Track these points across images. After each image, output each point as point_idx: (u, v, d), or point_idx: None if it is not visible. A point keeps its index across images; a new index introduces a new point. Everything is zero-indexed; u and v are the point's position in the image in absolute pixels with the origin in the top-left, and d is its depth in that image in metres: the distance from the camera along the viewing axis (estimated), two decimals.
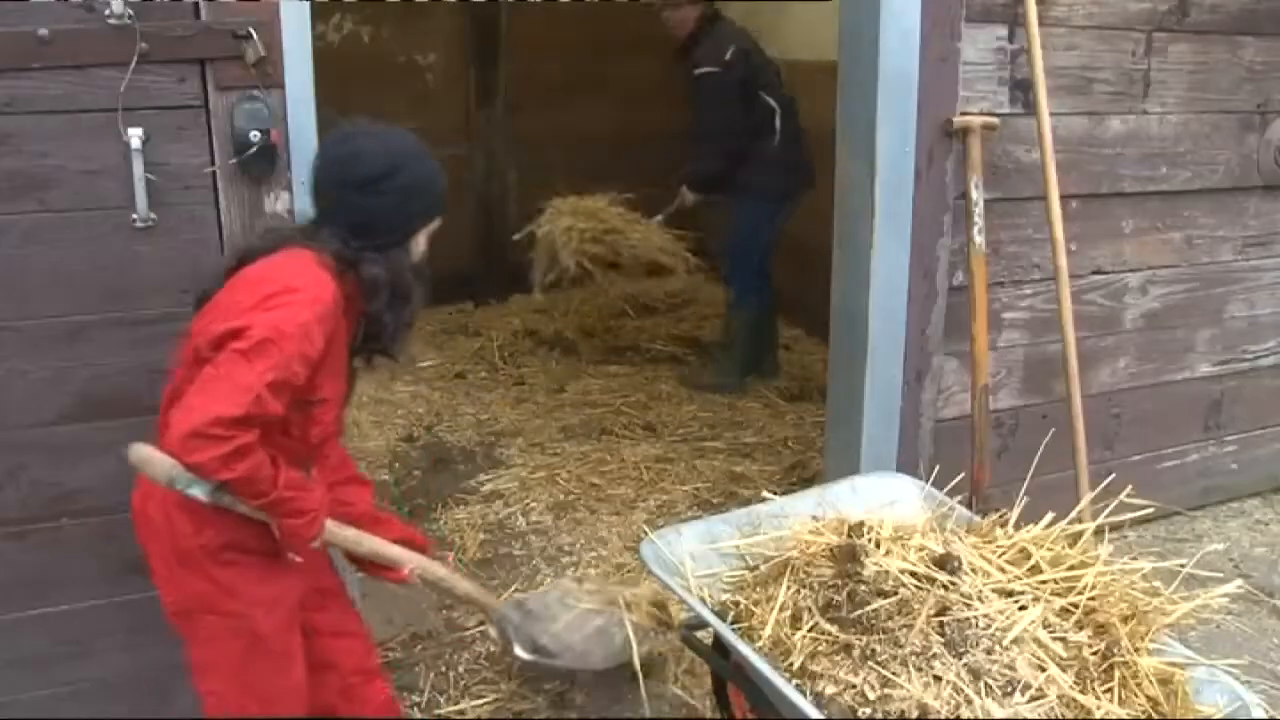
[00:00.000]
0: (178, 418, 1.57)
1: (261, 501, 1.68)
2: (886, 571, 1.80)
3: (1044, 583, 1.81)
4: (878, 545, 1.86)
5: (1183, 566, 1.88)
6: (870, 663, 1.68)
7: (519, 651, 2.19)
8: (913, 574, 1.80)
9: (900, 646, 1.68)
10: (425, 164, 1.83)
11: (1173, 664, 1.72)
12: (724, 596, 1.97)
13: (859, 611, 1.74)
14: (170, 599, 1.79)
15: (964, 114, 2.78)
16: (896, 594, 1.76)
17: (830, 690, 1.67)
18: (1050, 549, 1.89)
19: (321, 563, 2.00)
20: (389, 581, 2.07)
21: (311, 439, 1.77)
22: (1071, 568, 1.84)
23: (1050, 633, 1.71)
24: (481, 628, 2.87)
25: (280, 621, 1.82)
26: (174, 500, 1.72)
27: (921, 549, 1.86)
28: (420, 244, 1.87)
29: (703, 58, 4.14)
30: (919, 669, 1.65)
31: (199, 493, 1.69)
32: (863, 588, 1.78)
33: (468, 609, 2.96)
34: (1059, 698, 1.62)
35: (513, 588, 3.05)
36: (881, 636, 1.71)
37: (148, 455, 1.68)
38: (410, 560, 2.01)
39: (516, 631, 2.19)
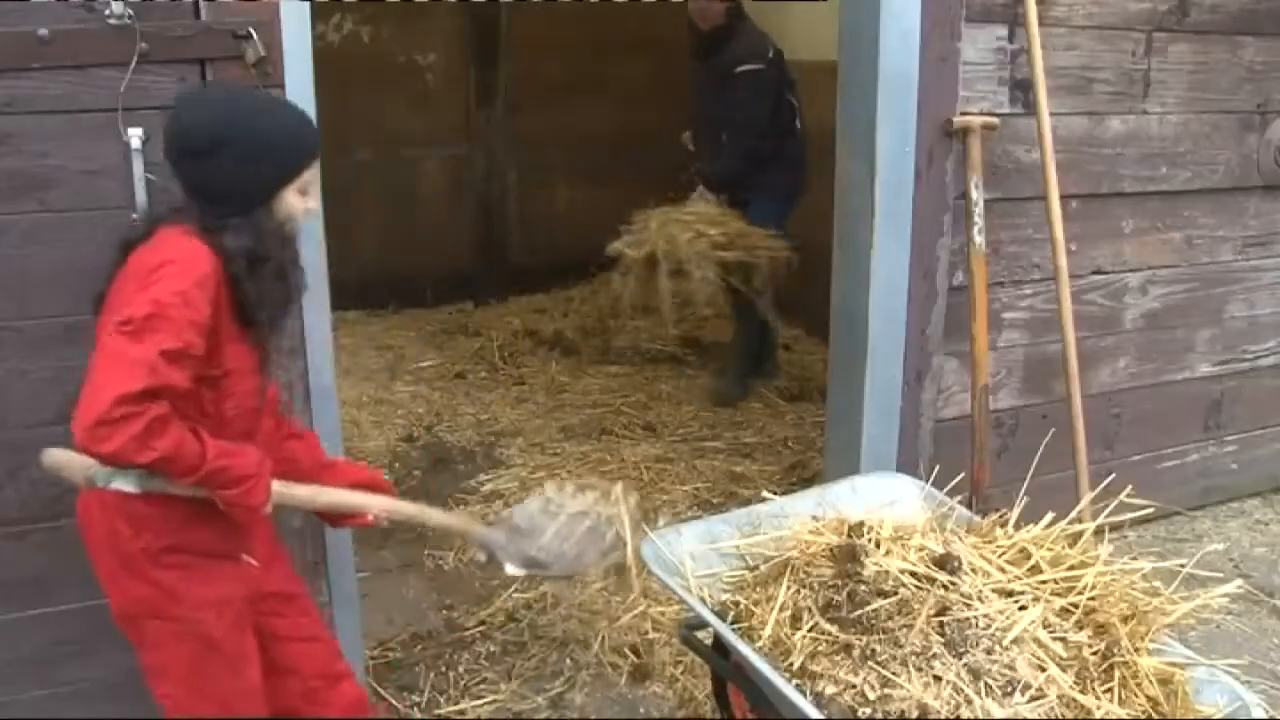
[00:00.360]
0: (78, 412, 1.52)
1: (194, 478, 1.62)
2: (886, 571, 1.80)
3: (1044, 583, 1.81)
4: (878, 545, 1.86)
5: (1183, 566, 1.87)
6: (870, 663, 1.68)
7: (511, 570, 2.13)
8: (913, 574, 1.80)
9: (900, 646, 1.68)
10: (262, 124, 1.71)
11: (1173, 664, 1.72)
12: (724, 596, 1.97)
13: (859, 611, 1.74)
14: (115, 603, 1.76)
15: (964, 114, 2.78)
16: (896, 594, 1.76)
17: (830, 690, 1.67)
18: (1050, 549, 1.89)
19: (279, 568, 1.97)
20: (359, 527, 2.05)
21: (227, 413, 1.73)
22: (1071, 568, 1.84)
23: (1050, 633, 1.71)
24: (482, 628, 2.87)
25: (229, 623, 1.79)
26: (114, 504, 1.70)
27: (921, 549, 1.86)
28: (289, 203, 1.75)
29: (745, 54, 4.05)
30: (919, 669, 1.65)
31: (126, 485, 1.65)
32: (863, 588, 1.77)
33: (467, 609, 2.96)
34: (1059, 698, 1.62)
35: (513, 587, 3.05)
36: (881, 636, 1.70)
37: (63, 459, 1.64)
38: (372, 505, 1.95)
39: (505, 551, 2.13)
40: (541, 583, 3.08)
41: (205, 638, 1.76)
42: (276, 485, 1.77)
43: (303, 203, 1.78)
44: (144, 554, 1.71)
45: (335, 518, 2.02)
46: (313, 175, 1.78)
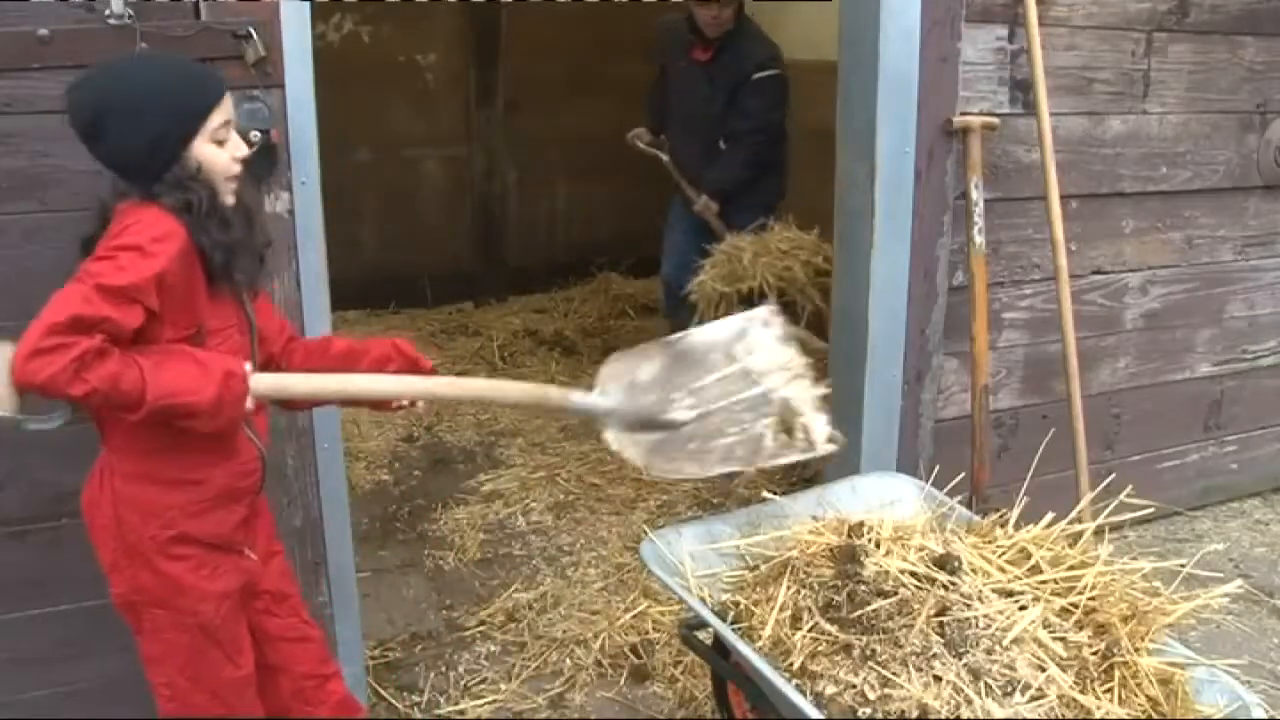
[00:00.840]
0: (16, 350, 1.48)
1: (139, 415, 1.56)
2: (886, 572, 1.80)
3: (1044, 583, 1.81)
4: (877, 545, 1.86)
5: (1183, 566, 1.88)
6: (870, 663, 1.68)
7: (610, 440, 1.78)
8: (913, 574, 1.80)
9: (900, 647, 1.68)
10: (138, 85, 1.64)
11: (1173, 664, 1.72)
12: (724, 596, 1.97)
13: (859, 612, 1.74)
14: (117, 590, 1.77)
15: (964, 114, 2.78)
16: (896, 594, 1.76)
17: (830, 690, 1.67)
18: (1050, 549, 1.89)
19: (276, 565, 1.96)
20: (406, 410, 1.86)
21: None
22: (1071, 568, 1.84)
23: (1050, 633, 1.71)
24: (482, 628, 2.87)
25: (228, 614, 1.80)
26: (122, 494, 1.70)
27: (921, 549, 1.86)
28: (204, 153, 1.67)
29: (762, 57, 3.89)
30: (919, 669, 1.65)
31: (51, 425, 1.57)
32: (863, 588, 1.78)
33: (467, 609, 2.96)
34: (1059, 698, 1.62)
35: (513, 587, 3.05)
36: (881, 637, 1.70)
37: None
38: (413, 387, 1.77)
39: (611, 416, 1.75)
40: (542, 583, 3.09)
41: (205, 629, 1.77)
42: (261, 386, 1.68)
43: (224, 152, 1.70)
44: (152, 543, 1.72)
45: (374, 403, 1.89)
46: (222, 121, 1.69)
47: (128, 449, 1.71)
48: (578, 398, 1.81)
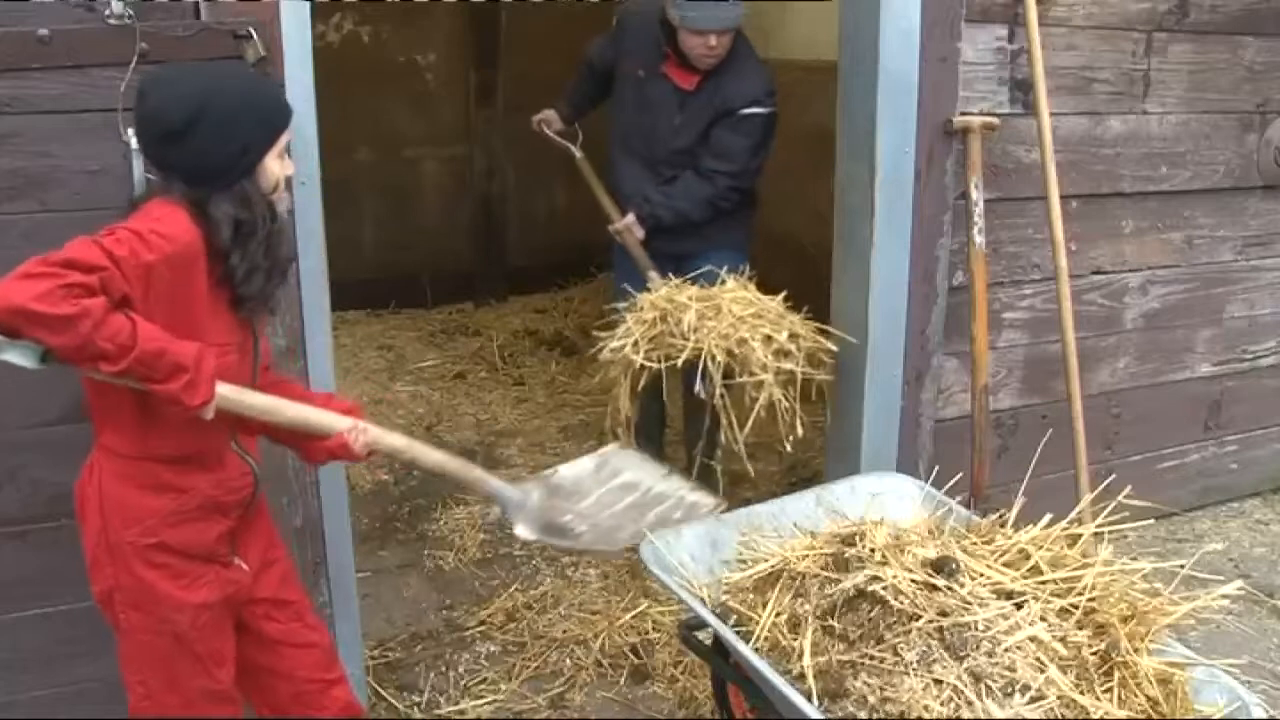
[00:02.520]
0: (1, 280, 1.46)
1: (125, 362, 1.51)
2: (883, 576, 1.79)
3: (1044, 583, 1.81)
4: (872, 551, 1.86)
5: (1183, 566, 1.87)
6: (870, 664, 1.68)
7: (523, 533, 1.94)
8: (912, 579, 1.80)
9: (901, 650, 1.68)
10: (233, 94, 1.70)
11: (1173, 664, 1.72)
12: (724, 597, 1.97)
13: (858, 614, 1.74)
14: (97, 586, 1.77)
15: (964, 114, 2.78)
16: (896, 597, 1.76)
17: (830, 690, 1.67)
18: (1050, 550, 1.89)
19: (273, 574, 1.94)
20: (339, 458, 1.87)
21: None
22: (1071, 568, 1.84)
23: (1050, 633, 1.71)
24: (482, 628, 2.87)
25: (205, 626, 1.79)
26: (108, 494, 1.71)
27: (921, 551, 1.86)
28: (270, 170, 1.74)
29: (760, 94, 3.15)
30: (919, 673, 1.65)
31: (19, 357, 1.51)
32: (861, 594, 1.77)
33: (467, 609, 2.96)
34: (1059, 698, 1.62)
35: (513, 587, 3.05)
36: (882, 639, 1.70)
37: None
38: (342, 425, 1.78)
39: (521, 512, 1.92)
40: (542, 583, 3.09)
41: (179, 638, 1.76)
42: (226, 389, 1.66)
43: (282, 168, 1.77)
44: (131, 547, 1.72)
45: (309, 448, 1.88)
46: (288, 139, 1.77)
47: (117, 449, 1.71)
48: (495, 483, 1.99)
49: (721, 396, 2.77)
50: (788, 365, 2.74)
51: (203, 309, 1.68)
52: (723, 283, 2.91)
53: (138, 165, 1.97)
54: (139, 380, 1.57)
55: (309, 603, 2.07)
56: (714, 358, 2.71)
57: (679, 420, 3.66)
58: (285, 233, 1.81)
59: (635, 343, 2.83)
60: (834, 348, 2.84)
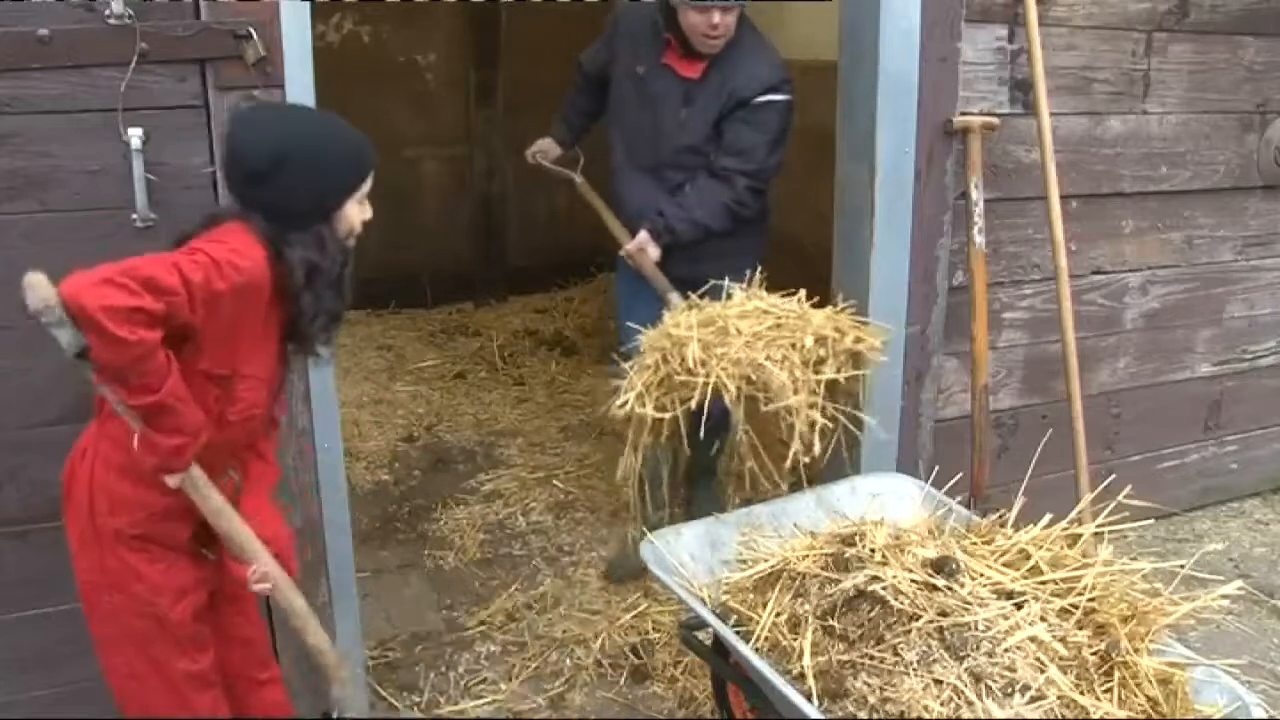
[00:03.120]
0: (82, 274, 1.49)
1: (145, 400, 1.56)
2: (883, 576, 1.79)
3: (1044, 584, 1.82)
4: (872, 552, 1.86)
5: (1183, 566, 1.87)
6: (870, 664, 1.68)
7: None
8: (912, 580, 1.80)
9: (901, 650, 1.68)
10: (320, 141, 1.74)
11: (1173, 664, 1.72)
12: (724, 597, 1.97)
13: (858, 614, 1.74)
14: (80, 571, 1.79)
15: (964, 114, 2.78)
16: (896, 598, 1.76)
17: (830, 690, 1.67)
18: (1050, 549, 1.89)
19: (236, 571, 1.92)
20: (232, 574, 1.84)
21: (229, 417, 1.73)
22: (1071, 568, 1.84)
23: (1050, 633, 1.71)
24: (482, 628, 2.87)
25: (186, 611, 1.81)
26: (98, 478, 1.73)
27: (921, 551, 1.86)
28: (349, 216, 1.78)
29: (776, 80, 2.88)
30: (919, 673, 1.65)
31: (65, 340, 1.52)
32: (862, 591, 1.78)
33: (467, 609, 2.97)
34: (1059, 698, 1.62)
35: (513, 587, 3.05)
36: (882, 639, 1.70)
37: (38, 280, 1.52)
38: (262, 563, 1.77)
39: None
40: (542, 583, 3.09)
41: (160, 619, 1.78)
42: (198, 474, 1.69)
43: (361, 214, 1.81)
44: (115, 534, 1.74)
45: (222, 547, 1.88)
46: (369, 187, 1.81)
47: (121, 439, 1.71)
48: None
49: (746, 433, 2.46)
50: (826, 372, 2.41)
51: (250, 340, 1.71)
52: (728, 297, 2.57)
53: (137, 165, 1.97)
54: (140, 417, 1.61)
55: (255, 599, 2.06)
56: (726, 387, 2.33)
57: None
58: (351, 275, 1.83)
59: (641, 394, 2.44)
60: (879, 337, 2.56)
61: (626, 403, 2.45)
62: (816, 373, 2.42)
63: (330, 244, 1.75)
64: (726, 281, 2.64)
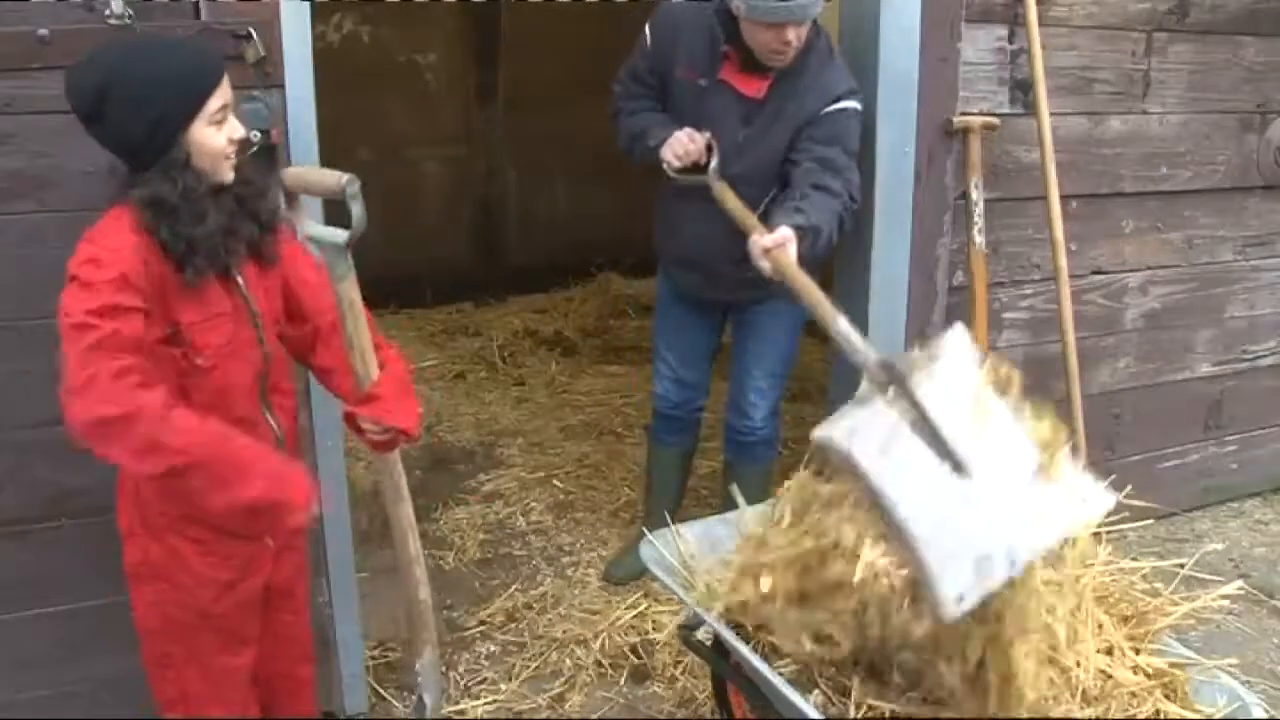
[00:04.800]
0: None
1: (176, 462, 1.53)
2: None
3: (1043, 583, 1.81)
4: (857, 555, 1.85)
5: (1182, 566, 1.88)
6: (868, 664, 1.68)
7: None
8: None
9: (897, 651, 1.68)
10: (140, 68, 1.63)
11: (1173, 664, 1.72)
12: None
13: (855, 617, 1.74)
14: (129, 559, 1.79)
15: (964, 114, 2.78)
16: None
17: (828, 691, 1.67)
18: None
19: (290, 558, 1.96)
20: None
21: (201, 366, 1.70)
22: (1071, 568, 1.84)
23: (1050, 633, 1.71)
24: (482, 628, 2.87)
25: (232, 605, 1.81)
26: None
27: None
28: (202, 139, 1.66)
29: (844, 90, 2.58)
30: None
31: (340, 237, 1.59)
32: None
33: (467, 609, 2.96)
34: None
35: (513, 587, 3.05)
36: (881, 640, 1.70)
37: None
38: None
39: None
40: (542, 583, 3.08)
41: (203, 612, 1.79)
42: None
43: (221, 134, 1.69)
44: (164, 518, 1.74)
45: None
46: (221, 104, 1.68)
47: None
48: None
49: None
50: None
51: (173, 291, 1.66)
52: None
53: None
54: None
55: (307, 593, 2.09)
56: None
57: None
58: (241, 195, 1.73)
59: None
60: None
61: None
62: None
63: (181, 174, 1.65)
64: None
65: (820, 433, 1.56)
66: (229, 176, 1.71)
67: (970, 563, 1.44)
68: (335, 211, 2.19)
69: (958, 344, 1.67)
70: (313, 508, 1.67)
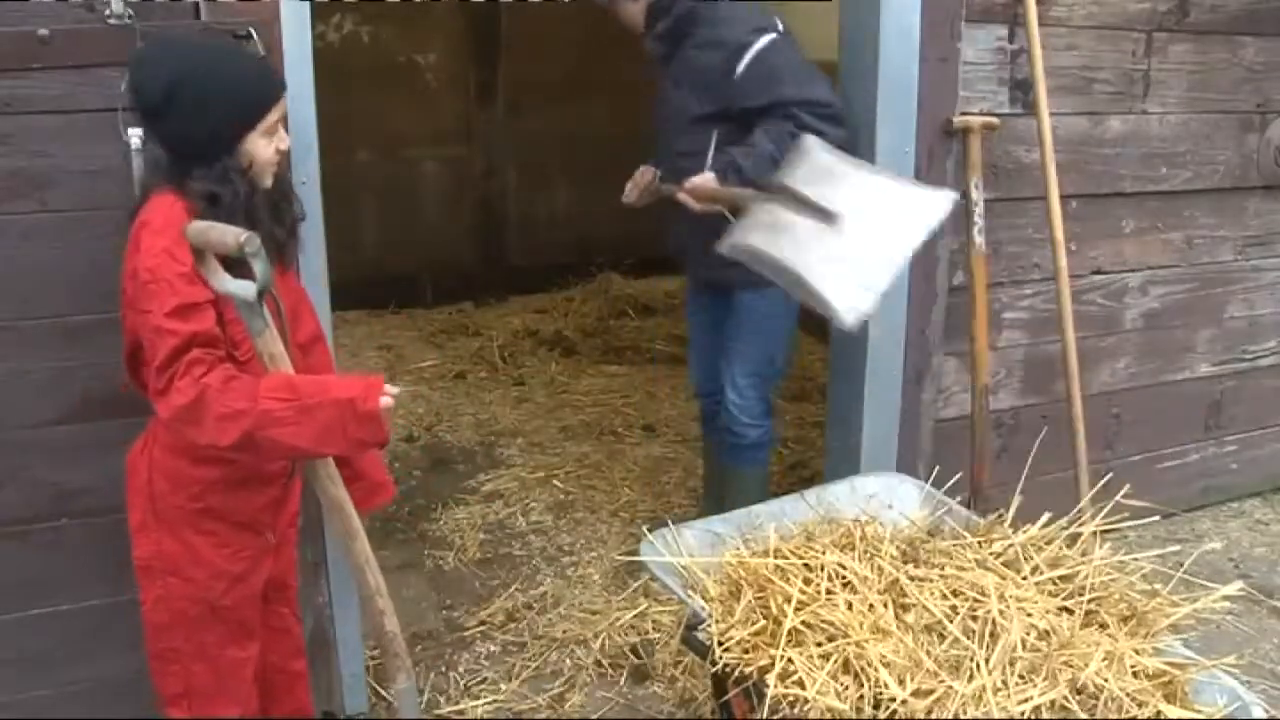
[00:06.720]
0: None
1: (247, 420, 1.57)
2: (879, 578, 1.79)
3: (1043, 583, 1.81)
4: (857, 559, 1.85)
5: (1182, 566, 1.87)
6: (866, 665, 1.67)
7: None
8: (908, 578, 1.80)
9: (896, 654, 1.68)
10: (213, 72, 1.70)
11: (1173, 664, 1.72)
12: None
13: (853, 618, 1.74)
14: (139, 552, 1.80)
15: (964, 114, 2.78)
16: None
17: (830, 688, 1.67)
18: (1050, 549, 1.89)
19: (287, 553, 1.99)
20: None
21: (240, 358, 1.73)
22: (1070, 568, 1.84)
23: (1049, 633, 1.71)
24: (482, 628, 2.87)
25: (241, 597, 1.83)
26: (159, 462, 1.75)
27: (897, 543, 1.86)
28: (256, 148, 1.75)
29: (750, 28, 2.69)
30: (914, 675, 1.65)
31: (249, 293, 1.60)
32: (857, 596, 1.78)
33: (467, 609, 2.96)
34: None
35: (513, 587, 3.05)
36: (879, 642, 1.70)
37: None
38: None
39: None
40: (542, 583, 3.09)
41: (214, 606, 1.81)
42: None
43: (271, 145, 1.77)
44: (178, 512, 1.76)
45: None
46: (277, 118, 1.77)
47: None
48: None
49: None
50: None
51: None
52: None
53: (138, 165, 1.97)
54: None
55: (298, 588, 2.10)
56: None
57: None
58: (278, 199, 1.82)
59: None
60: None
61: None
62: None
63: (235, 176, 1.72)
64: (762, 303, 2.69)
65: (722, 244, 2.06)
66: (270, 183, 1.80)
67: (854, 281, 1.86)
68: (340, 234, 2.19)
69: (809, 146, 2.12)
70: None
